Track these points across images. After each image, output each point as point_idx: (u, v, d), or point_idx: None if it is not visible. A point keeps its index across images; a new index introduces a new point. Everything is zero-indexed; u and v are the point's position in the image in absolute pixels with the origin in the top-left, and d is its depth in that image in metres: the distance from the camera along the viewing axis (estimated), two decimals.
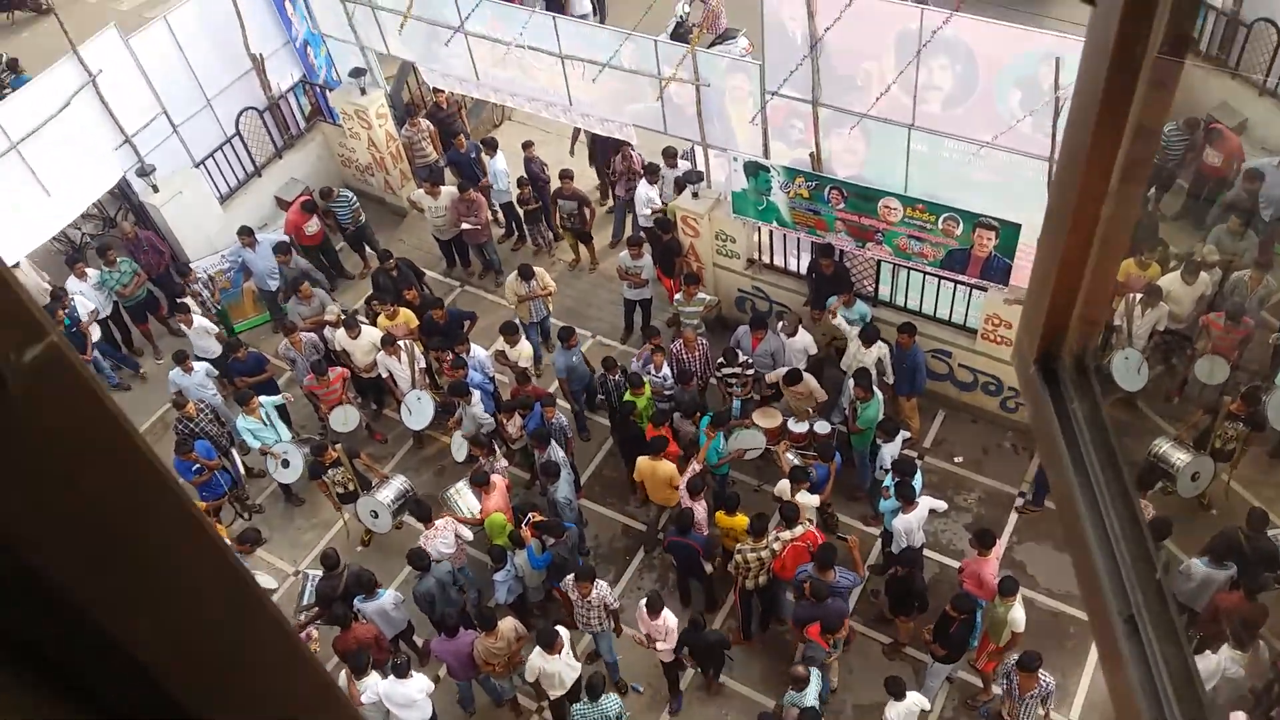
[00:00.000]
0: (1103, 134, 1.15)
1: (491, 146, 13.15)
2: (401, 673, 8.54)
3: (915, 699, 8.33)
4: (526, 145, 13.03)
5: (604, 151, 13.23)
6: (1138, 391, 10.26)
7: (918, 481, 9.39)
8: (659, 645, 8.84)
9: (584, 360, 11.39)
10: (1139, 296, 10.29)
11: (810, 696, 8.27)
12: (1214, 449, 9.48)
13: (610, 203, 13.75)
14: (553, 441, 10.05)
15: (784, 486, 9.47)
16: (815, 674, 8.38)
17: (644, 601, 8.81)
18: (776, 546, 9.00)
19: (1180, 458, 9.36)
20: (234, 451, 11.17)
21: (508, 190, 13.32)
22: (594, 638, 9.45)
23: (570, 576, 8.91)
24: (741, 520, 9.36)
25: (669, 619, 8.73)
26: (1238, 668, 7.95)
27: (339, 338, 11.41)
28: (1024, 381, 1.28)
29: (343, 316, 11.62)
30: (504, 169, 13.14)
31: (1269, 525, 8.77)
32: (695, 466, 9.72)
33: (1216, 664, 7.95)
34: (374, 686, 8.56)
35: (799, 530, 8.99)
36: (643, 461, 9.86)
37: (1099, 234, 1.21)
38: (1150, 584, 1.09)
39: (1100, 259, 1.22)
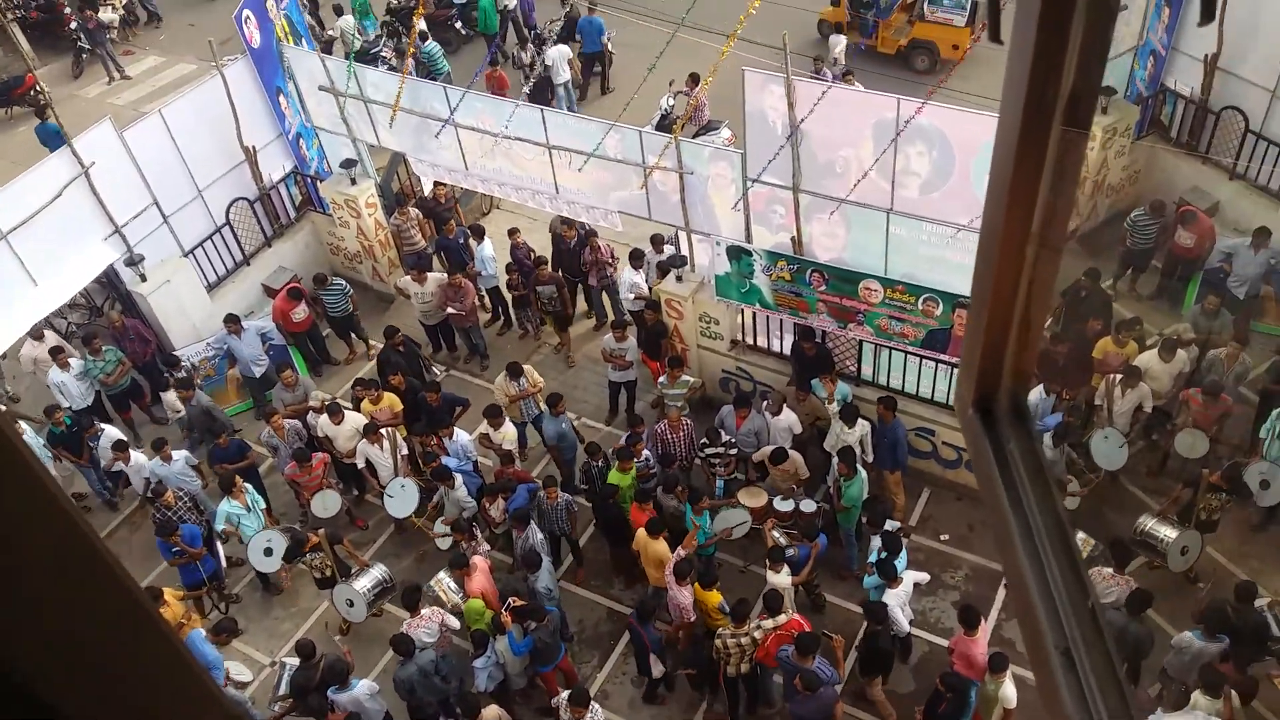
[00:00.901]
0: (1018, 191, 1.21)
1: (479, 234, 13.40)
2: None
3: None
4: (513, 232, 13.31)
5: (567, 254, 13.33)
6: (1119, 469, 10.33)
7: (902, 558, 9.34)
8: None
9: (573, 428, 11.46)
10: (1119, 377, 10.41)
11: None
12: (1198, 521, 9.49)
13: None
14: (532, 524, 9.98)
15: (771, 577, 9.39)
16: None
17: None
18: (758, 635, 8.87)
19: (1168, 533, 9.36)
20: (217, 544, 11.04)
21: (494, 276, 13.51)
22: None
23: (565, 695, 8.67)
24: (714, 596, 9.27)
25: None
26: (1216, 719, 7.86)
27: (322, 424, 11.38)
28: (964, 423, 1.32)
29: (326, 402, 11.63)
30: (491, 255, 13.35)
31: (1256, 597, 8.73)
32: (682, 552, 9.63)
33: None
34: None
35: (782, 619, 8.87)
36: (641, 534, 9.78)
37: (1024, 280, 1.26)
38: (1084, 615, 1.11)
39: (1026, 305, 1.27)
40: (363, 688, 9.12)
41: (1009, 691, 8.28)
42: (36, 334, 12.52)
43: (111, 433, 11.13)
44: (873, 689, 9.36)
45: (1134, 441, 10.61)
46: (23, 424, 11.83)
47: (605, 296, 13.58)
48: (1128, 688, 1.04)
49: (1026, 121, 1.15)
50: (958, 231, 9.68)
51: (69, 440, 11.73)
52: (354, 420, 11.32)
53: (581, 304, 13.86)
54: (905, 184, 9.86)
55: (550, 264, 13.18)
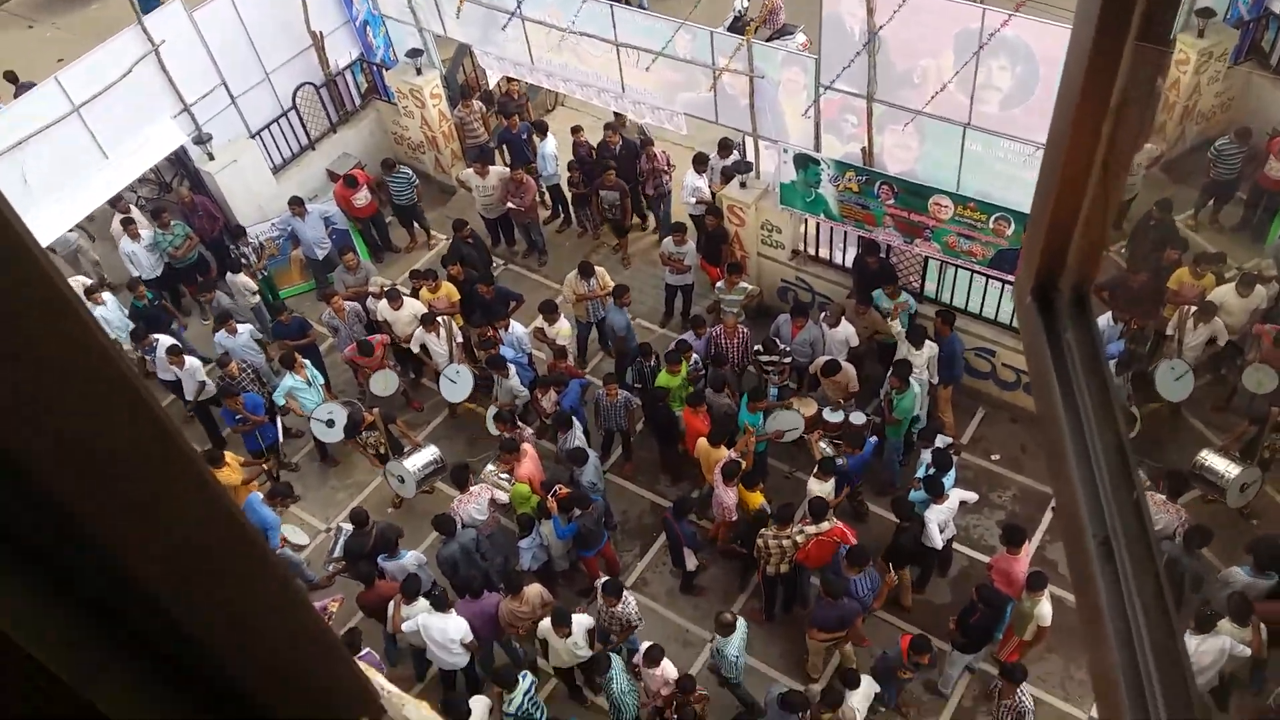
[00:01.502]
0: (1098, 63, 1.15)
1: (542, 130, 13.25)
2: (439, 605, 8.69)
3: (869, 684, 8.38)
4: (576, 130, 13.11)
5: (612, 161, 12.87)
6: (1182, 402, 10.10)
7: (951, 476, 9.31)
8: (661, 692, 8.48)
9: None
10: (1192, 309, 10.10)
11: (733, 646, 8.43)
12: (1261, 459, 9.28)
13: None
14: (575, 425, 10.09)
15: (812, 485, 9.43)
16: (741, 623, 8.55)
17: (644, 649, 8.45)
18: (800, 539, 8.97)
19: (1229, 469, 9.18)
20: (278, 416, 11.38)
21: (556, 173, 13.41)
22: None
23: (600, 583, 8.89)
24: (756, 498, 9.39)
25: (668, 669, 8.43)
26: (1243, 646, 7.89)
27: (381, 308, 11.57)
28: (1020, 311, 1.28)
29: (385, 287, 11.78)
30: (553, 152, 13.24)
31: None
32: (735, 454, 9.68)
33: (1220, 646, 7.90)
34: (415, 618, 8.73)
35: (825, 526, 8.95)
36: (703, 443, 9.87)
37: (1095, 166, 1.21)
38: (1128, 507, 1.08)
39: (1097, 191, 1.21)
40: (410, 558, 9.46)
41: (1045, 609, 8.31)
42: (124, 208, 12.80)
43: (165, 341, 11.35)
44: (901, 579, 9.50)
45: (1201, 374, 10.34)
46: (106, 294, 12.12)
47: (660, 206, 13.37)
48: (1165, 582, 1.02)
49: (1101, 31, 1.09)
50: (1036, 150, 9.32)
51: (150, 316, 12.04)
52: (412, 307, 11.47)
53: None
54: (985, 99, 9.47)
55: (584, 173, 12.98)
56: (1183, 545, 8.45)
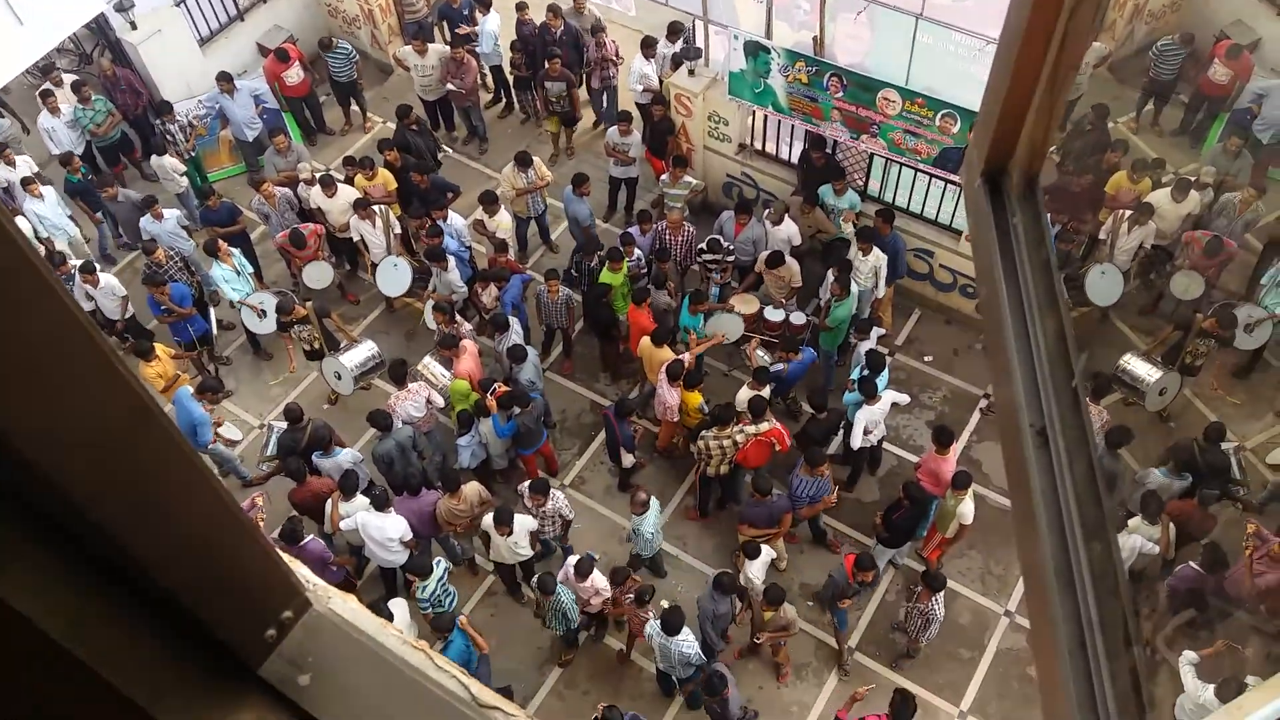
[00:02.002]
0: None
1: (485, 4, 12.67)
2: (380, 504, 8.68)
3: (768, 552, 8.81)
4: (520, 8, 12.55)
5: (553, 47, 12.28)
6: (1111, 305, 10.32)
7: (884, 378, 9.46)
8: (592, 602, 8.66)
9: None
10: (1126, 213, 10.21)
11: (648, 524, 8.79)
12: (1183, 364, 9.56)
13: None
14: (513, 325, 9.99)
15: (742, 394, 9.48)
16: (654, 502, 8.92)
17: (571, 562, 8.51)
18: (740, 439, 9.08)
19: (1149, 372, 9.43)
20: (209, 306, 11.07)
21: (497, 53, 12.89)
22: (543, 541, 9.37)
23: (526, 485, 8.87)
24: (695, 397, 9.46)
25: (598, 581, 8.54)
26: (1152, 545, 8.21)
27: (314, 195, 11.18)
28: (969, 194, 1.24)
29: (318, 174, 11.37)
30: (495, 30, 12.68)
31: (1224, 439, 8.93)
32: (688, 357, 9.69)
33: (1132, 545, 8.24)
34: (354, 516, 8.72)
35: (764, 426, 9.06)
36: (646, 342, 9.83)
37: (1051, 51, 1.16)
38: (1066, 396, 1.06)
39: (1051, 75, 1.16)
40: (346, 455, 9.38)
41: (967, 508, 8.58)
42: (55, 79, 12.07)
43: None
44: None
45: (1130, 279, 10.54)
46: (45, 188, 11.44)
47: (604, 100, 12.98)
48: (1099, 469, 1.01)
49: None
50: (987, 45, 9.20)
51: (85, 191, 11.52)
52: (347, 194, 11.11)
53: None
54: None
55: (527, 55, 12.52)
56: (1104, 444, 8.73)
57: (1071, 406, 1.06)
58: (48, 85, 12.10)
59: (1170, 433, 9.93)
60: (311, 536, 8.67)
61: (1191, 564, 8.01)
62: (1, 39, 11.01)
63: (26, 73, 12.15)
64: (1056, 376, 1.09)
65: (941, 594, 8.35)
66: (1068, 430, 1.05)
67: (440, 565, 8.59)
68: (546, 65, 12.06)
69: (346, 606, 1.16)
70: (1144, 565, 8.47)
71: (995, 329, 1.13)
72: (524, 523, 8.71)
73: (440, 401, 9.73)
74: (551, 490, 8.92)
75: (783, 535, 9.32)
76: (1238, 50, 11.31)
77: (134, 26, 12.29)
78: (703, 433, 9.22)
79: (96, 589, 0.93)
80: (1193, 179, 10.53)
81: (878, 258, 10.25)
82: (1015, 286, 1.13)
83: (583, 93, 12.84)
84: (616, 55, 12.44)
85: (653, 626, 8.08)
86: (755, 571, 8.65)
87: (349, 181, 11.43)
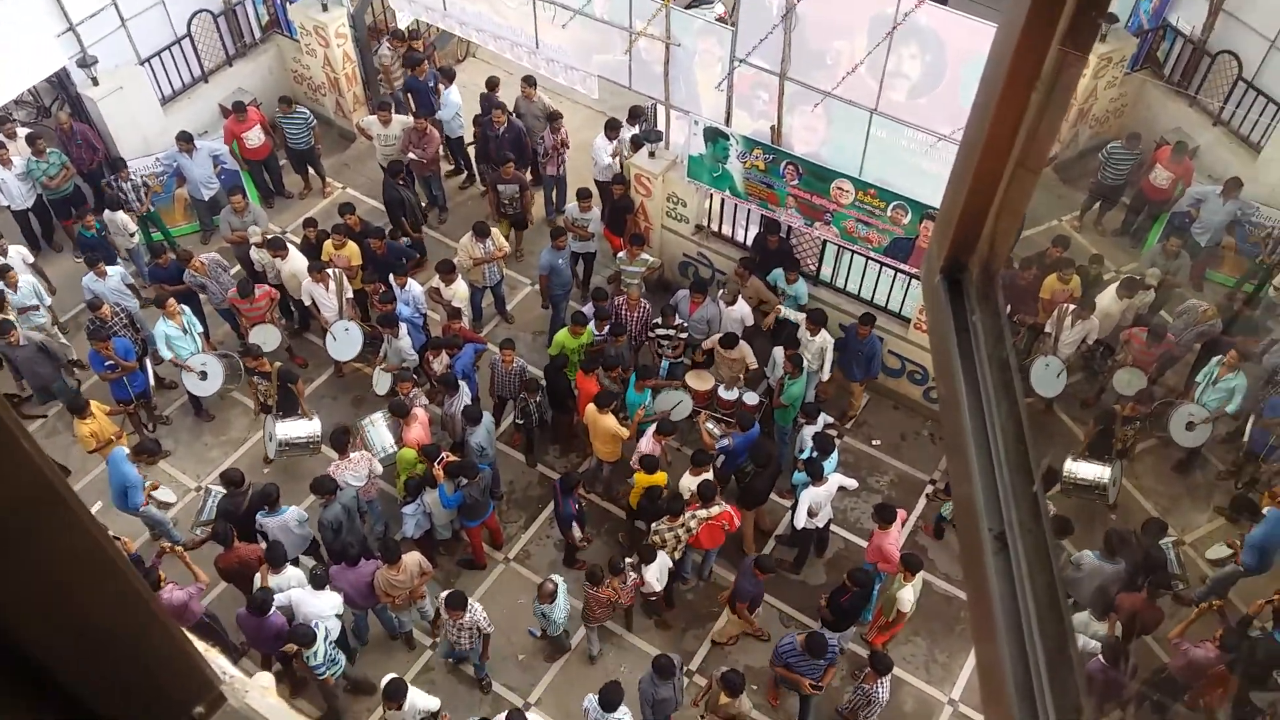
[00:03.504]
0: (1022, 55, 1.12)
1: (449, 77, 12.83)
2: (319, 585, 8.45)
3: (663, 558, 8.95)
4: (492, 84, 12.75)
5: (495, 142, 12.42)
6: (1054, 398, 10.53)
7: (833, 460, 9.49)
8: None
9: (570, 268, 11.47)
10: (1071, 307, 10.48)
11: (558, 611, 8.84)
12: (1117, 451, 9.79)
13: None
14: (462, 388, 9.90)
15: (685, 481, 9.44)
16: (562, 587, 8.87)
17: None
18: (693, 525, 9.04)
19: (1099, 473, 9.60)
20: (148, 361, 10.83)
21: (458, 122, 13.02)
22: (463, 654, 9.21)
23: (443, 596, 8.55)
24: (661, 477, 9.38)
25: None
26: (1095, 643, 8.16)
27: (264, 259, 11.10)
28: (928, 290, 1.23)
29: (266, 237, 11.27)
30: (458, 101, 12.85)
31: (1164, 535, 9.06)
32: (624, 432, 9.69)
33: (1080, 644, 8.22)
34: (288, 593, 8.44)
35: (715, 510, 9.04)
36: (591, 408, 9.76)
37: (1014, 152, 1.17)
38: (1026, 501, 1.05)
39: (1013, 176, 1.17)
40: (292, 513, 9.13)
41: (906, 594, 8.58)
42: (9, 131, 11.90)
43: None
44: (743, 516, 9.67)
45: (1073, 372, 10.77)
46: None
47: (555, 189, 13.07)
48: (1059, 577, 0.99)
49: (1026, 33, 1.06)
50: (938, 141, 9.48)
51: (98, 245, 11.37)
52: (297, 262, 11.00)
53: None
54: (894, 85, 9.59)
55: (478, 149, 12.65)
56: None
57: (1031, 511, 1.04)
58: (1, 137, 11.94)
59: (1108, 520, 10.05)
60: (275, 610, 8.32)
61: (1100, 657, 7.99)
62: None
63: None
64: (1016, 480, 1.07)
65: (888, 677, 8.27)
66: (1027, 536, 1.03)
67: (320, 628, 8.27)
68: (499, 169, 12.12)
69: (264, 702, 1.08)
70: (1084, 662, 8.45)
71: (954, 429, 1.11)
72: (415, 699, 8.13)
73: (379, 470, 9.55)
74: (470, 603, 8.58)
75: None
76: (1180, 154, 11.79)
77: (96, 82, 12.24)
78: (655, 525, 9.16)
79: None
80: (1138, 278, 10.86)
81: (824, 339, 10.39)
82: (974, 386, 1.12)
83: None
84: (565, 141, 12.58)
85: (590, 701, 7.88)
86: (653, 575, 8.82)
87: (314, 242, 11.29)
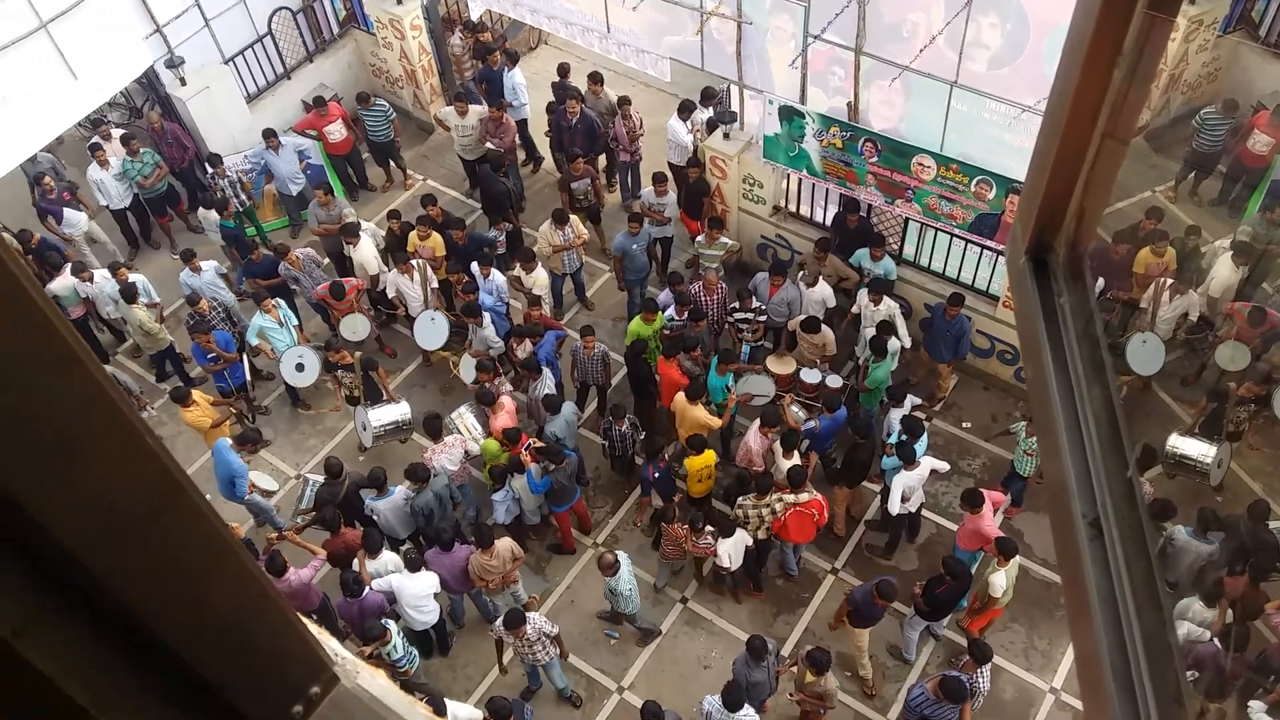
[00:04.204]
0: (1106, 22, 1.08)
1: (513, 59, 12.91)
2: (414, 567, 8.66)
3: (741, 537, 8.90)
4: (564, 71, 12.83)
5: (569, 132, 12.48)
6: (1153, 375, 10.16)
7: (923, 443, 9.33)
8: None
9: (646, 253, 11.49)
10: (1169, 281, 10.12)
11: (623, 582, 8.79)
12: (1227, 432, 9.38)
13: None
14: (545, 373, 10.00)
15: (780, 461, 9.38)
16: (624, 558, 8.85)
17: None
18: (778, 507, 8.96)
19: (1204, 451, 9.24)
20: (247, 356, 11.21)
21: (525, 105, 13.09)
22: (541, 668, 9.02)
23: (500, 622, 8.45)
24: (709, 456, 9.38)
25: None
26: (1203, 630, 7.91)
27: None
28: (1013, 272, 1.21)
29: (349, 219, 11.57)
30: (522, 82, 12.92)
31: (1268, 518, 8.70)
32: (716, 424, 9.71)
33: (1183, 634, 7.95)
34: (387, 576, 8.69)
35: (804, 497, 8.95)
36: (680, 398, 9.73)
37: (1096, 130, 1.14)
38: (1120, 486, 1.02)
39: (1100, 150, 1.14)
40: (400, 494, 9.35)
41: (997, 579, 8.39)
42: (105, 133, 12.43)
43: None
44: (838, 496, 9.58)
45: (1173, 348, 10.39)
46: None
47: (630, 174, 13.04)
48: (1157, 565, 0.97)
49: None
50: (1022, 112, 9.23)
51: (236, 238, 11.90)
52: (367, 250, 11.35)
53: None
54: (973, 56, 9.34)
55: (553, 140, 12.74)
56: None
57: (1126, 497, 1.01)
58: (97, 139, 12.45)
59: (1217, 504, 9.69)
60: (369, 589, 8.60)
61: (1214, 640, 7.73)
62: (56, 93, 11.39)
63: (78, 125, 12.50)
64: (1110, 465, 1.05)
65: (987, 666, 8.10)
66: (1123, 523, 1.01)
67: (393, 625, 8.41)
68: (570, 165, 12.14)
69: (375, 683, 1.13)
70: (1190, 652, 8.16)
71: (1043, 411, 1.09)
72: (535, 620, 8.40)
73: (476, 450, 9.73)
74: (527, 615, 8.38)
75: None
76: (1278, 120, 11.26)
77: (183, 82, 12.65)
78: (740, 500, 9.11)
79: (120, 660, 0.91)
80: (1249, 241, 10.40)
81: (889, 306, 10.23)
82: (1063, 369, 1.10)
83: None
84: (640, 126, 12.59)
85: (711, 703, 7.88)
86: (725, 550, 8.86)
87: (399, 234, 11.56)
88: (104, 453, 0.79)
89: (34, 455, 0.75)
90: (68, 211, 12.13)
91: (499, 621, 8.43)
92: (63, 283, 11.13)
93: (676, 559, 9.49)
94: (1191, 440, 9.35)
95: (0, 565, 0.81)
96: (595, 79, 12.54)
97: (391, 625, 8.40)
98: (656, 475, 9.62)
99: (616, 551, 8.94)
